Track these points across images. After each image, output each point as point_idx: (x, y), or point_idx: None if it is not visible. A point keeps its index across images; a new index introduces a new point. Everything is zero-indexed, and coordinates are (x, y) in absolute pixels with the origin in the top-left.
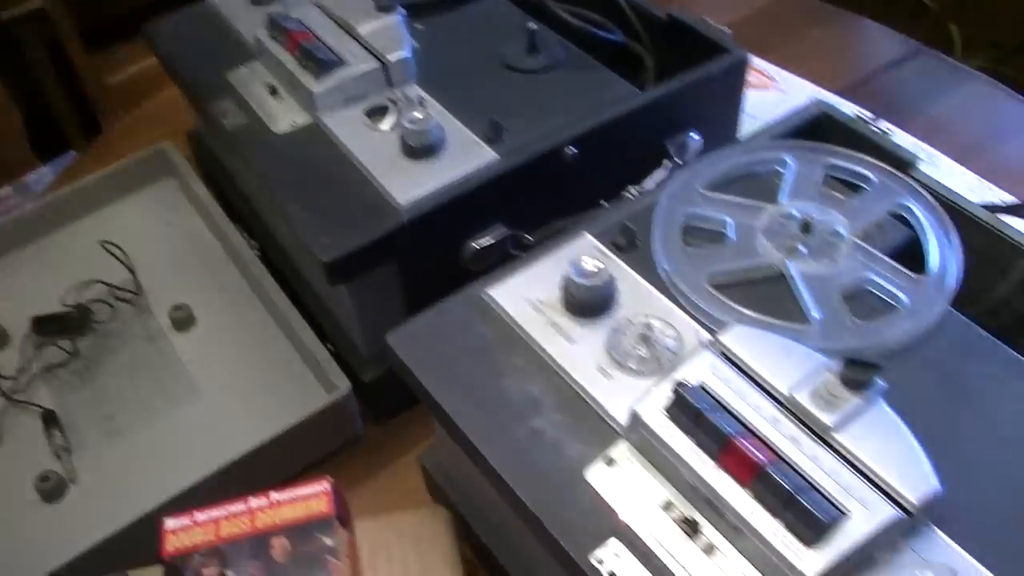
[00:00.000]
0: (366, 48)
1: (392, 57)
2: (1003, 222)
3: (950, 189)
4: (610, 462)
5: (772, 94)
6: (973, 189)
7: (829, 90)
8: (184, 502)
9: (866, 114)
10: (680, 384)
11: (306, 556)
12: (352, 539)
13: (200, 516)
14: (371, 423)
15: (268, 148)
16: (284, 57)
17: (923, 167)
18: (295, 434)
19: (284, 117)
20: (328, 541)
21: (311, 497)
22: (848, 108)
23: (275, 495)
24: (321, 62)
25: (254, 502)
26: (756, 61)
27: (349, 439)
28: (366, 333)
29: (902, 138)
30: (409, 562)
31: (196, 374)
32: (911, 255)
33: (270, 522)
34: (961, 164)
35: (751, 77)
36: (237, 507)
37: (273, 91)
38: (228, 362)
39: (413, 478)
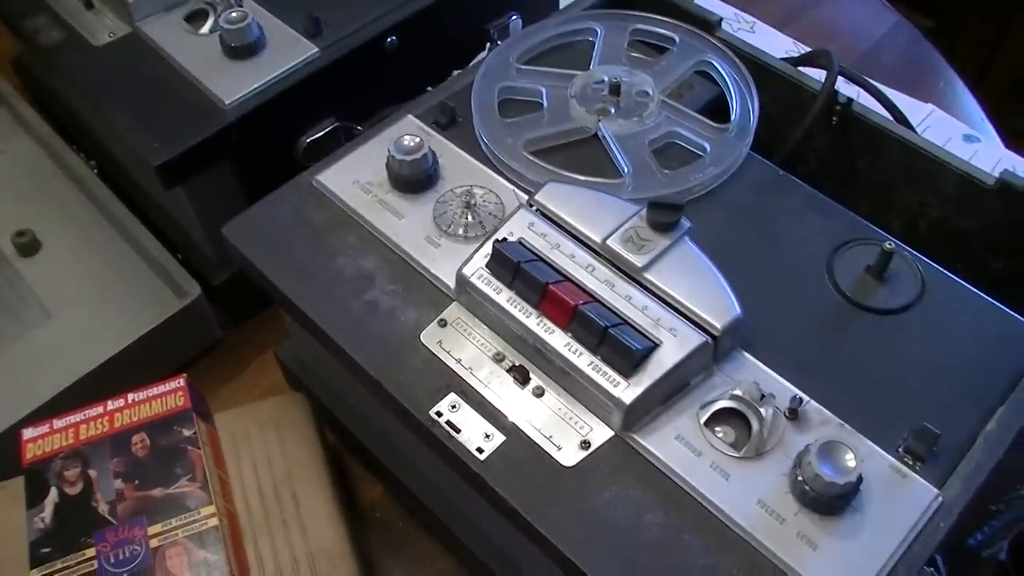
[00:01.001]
0: None
1: None
2: (801, 72)
3: (751, 45)
4: (443, 324)
5: None
6: (788, 51)
7: None
8: (46, 416)
9: None
10: (498, 241)
11: (166, 449)
12: (212, 429)
13: (58, 423)
14: (230, 327)
15: (88, 62)
16: None
17: (742, 32)
18: (149, 341)
19: (102, 29)
20: (187, 432)
21: (167, 394)
22: None
23: (132, 396)
24: None
25: (112, 404)
26: None
27: (207, 344)
28: (210, 236)
29: (721, 8)
30: (270, 446)
31: (46, 297)
32: (719, 110)
33: (129, 421)
34: (778, 29)
35: None
36: (95, 410)
37: (88, 4)
38: (78, 281)
39: (273, 374)
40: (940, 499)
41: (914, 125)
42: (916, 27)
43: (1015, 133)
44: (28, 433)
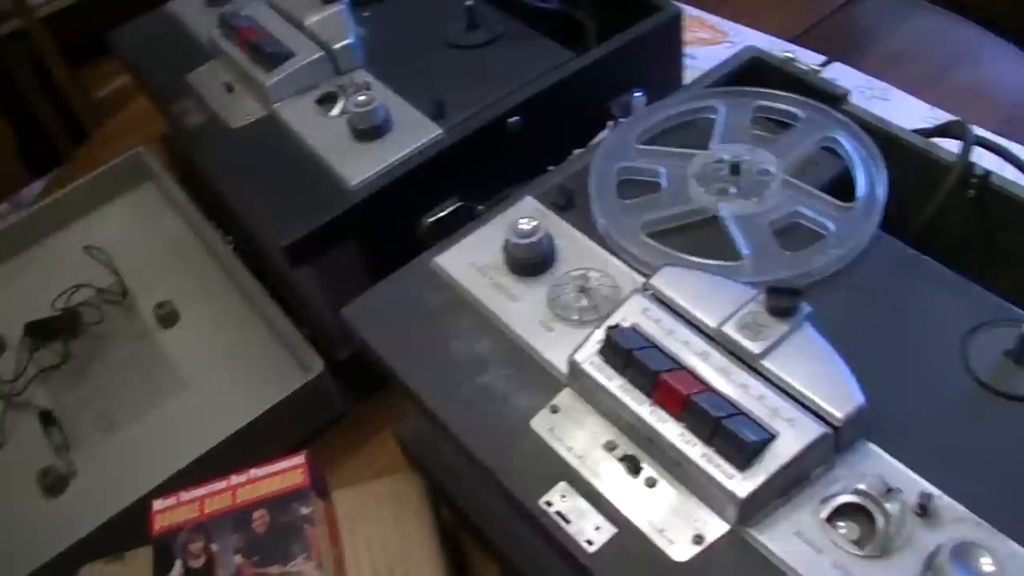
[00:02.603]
0: (312, 39)
1: (337, 45)
2: (932, 143)
3: (879, 117)
4: (554, 410)
5: (724, 48)
6: (925, 119)
7: (782, 39)
8: (175, 486)
9: (819, 57)
10: (611, 327)
11: (284, 526)
12: (330, 507)
13: (185, 496)
14: (353, 401)
15: (226, 143)
16: (236, 54)
17: (875, 101)
18: (274, 415)
19: (240, 112)
20: (304, 510)
21: (288, 470)
22: (804, 56)
23: (254, 471)
24: (270, 55)
25: (235, 479)
26: (708, 17)
27: (332, 417)
28: (335, 313)
29: (853, 76)
30: (386, 526)
31: (182, 366)
32: (845, 186)
33: (250, 497)
34: (914, 95)
35: (704, 33)
36: (219, 485)
37: (229, 88)
38: (211, 353)
39: (395, 450)
40: None
41: None
42: None
43: None
44: (158, 504)
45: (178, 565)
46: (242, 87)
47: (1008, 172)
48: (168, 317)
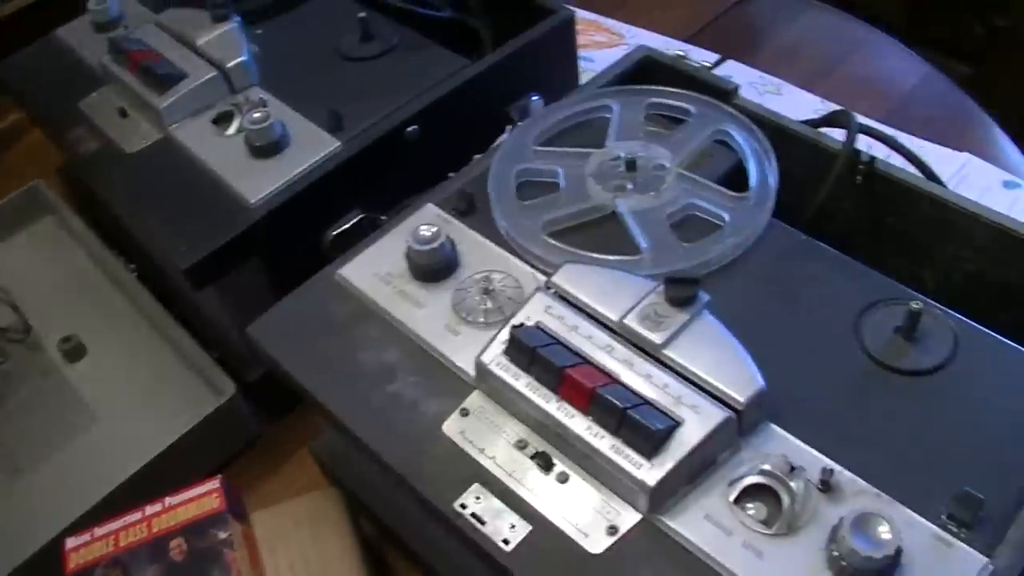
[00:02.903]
0: (205, 58)
1: (230, 64)
2: (820, 133)
3: (768, 110)
4: (464, 412)
5: (621, 50)
6: (816, 111)
7: (677, 39)
8: (89, 522)
9: (714, 56)
10: (515, 327)
11: (203, 552)
12: (248, 530)
13: (99, 531)
14: (268, 422)
15: (122, 168)
16: (128, 78)
17: (768, 95)
18: (188, 441)
19: (136, 136)
20: (222, 535)
21: (203, 496)
22: (698, 55)
23: (169, 499)
24: (162, 78)
25: (149, 509)
26: (604, 20)
27: (247, 440)
28: (243, 334)
29: (747, 73)
30: (305, 544)
31: (91, 400)
32: (739, 178)
33: (167, 526)
34: (806, 89)
35: (600, 36)
36: (134, 516)
37: (123, 113)
38: (120, 384)
39: (313, 467)
40: (991, 568)
41: (950, 175)
42: (950, 76)
43: None
44: (71, 543)
45: None
46: (136, 111)
47: (897, 160)
48: (74, 351)
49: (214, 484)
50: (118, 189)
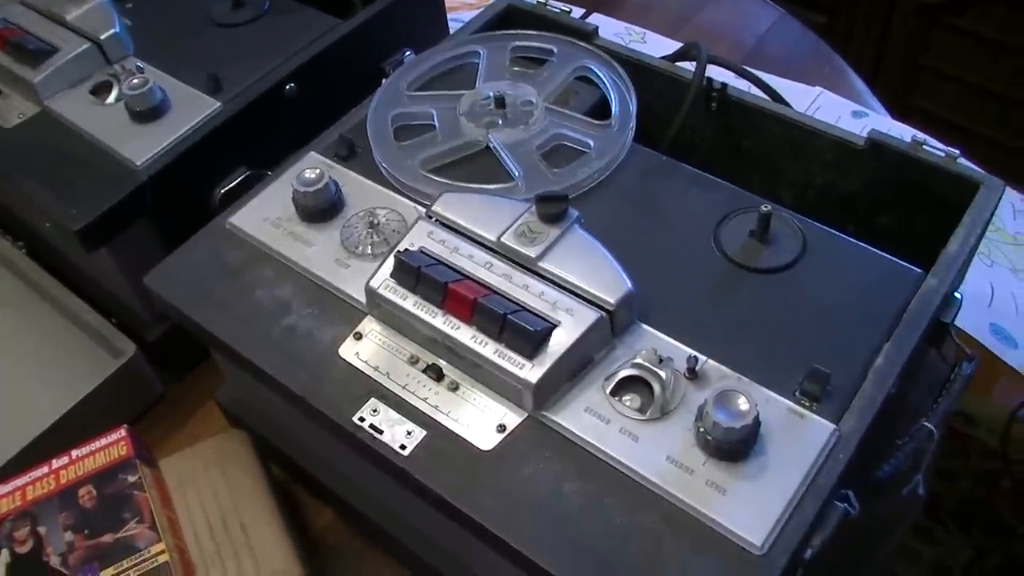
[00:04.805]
0: (76, 32)
1: (103, 36)
2: (675, 66)
3: (626, 47)
4: (358, 336)
5: None
6: None
7: None
8: None
9: (578, 10)
10: (400, 252)
11: (112, 497)
12: (157, 473)
13: (4, 488)
14: (171, 382)
15: (1, 143)
16: None
17: (634, 44)
18: (91, 402)
19: (12, 112)
20: (131, 478)
21: (110, 445)
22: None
23: (75, 452)
24: (33, 53)
25: (56, 462)
26: None
27: (150, 400)
28: (140, 294)
29: (613, 25)
30: (216, 482)
31: None
32: (604, 111)
33: (75, 476)
34: (668, 36)
35: None
36: (41, 471)
37: None
38: (17, 358)
39: (218, 422)
40: (838, 433)
41: (803, 108)
42: (804, 22)
43: (911, 111)
44: None
45: (4, 554)
46: (10, 88)
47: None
48: None
49: (120, 433)
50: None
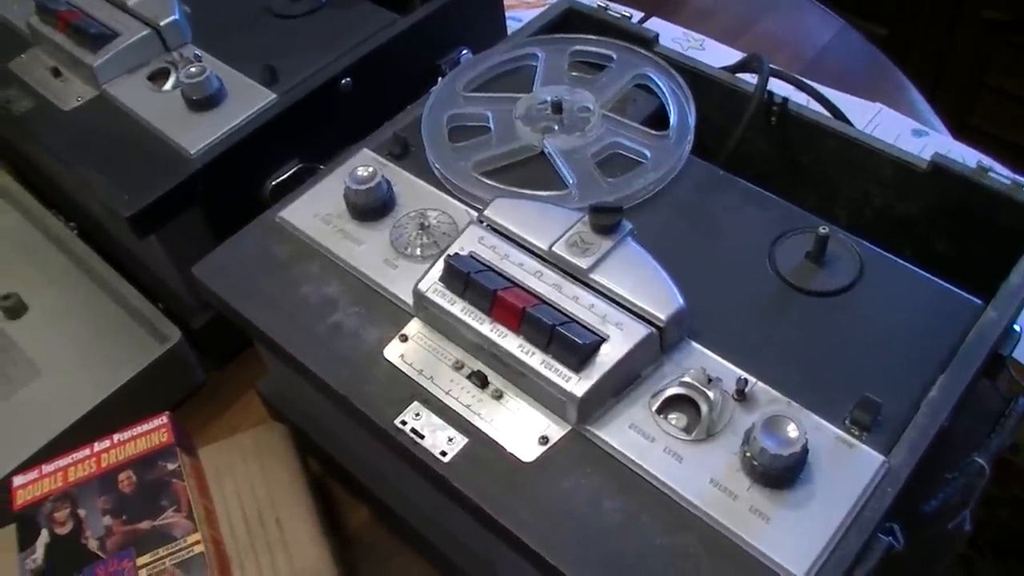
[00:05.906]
0: (137, 17)
1: (163, 22)
2: (736, 77)
3: (687, 56)
4: (404, 338)
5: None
6: None
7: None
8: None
9: (639, 14)
10: (450, 256)
11: (151, 483)
12: (196, 462)
13: (47, 468)
14: (213, 370)
15: (58, 126)
16: (58, 38)
17: (692, 51)
18: (134, 387)
19: (70, 95)
20: (171, 466)
21: (151, 432)
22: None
23: (117, 436)
24: (94, 37)
25: (98, 445)
26: None
27: (192, 386)
28: (187, 282)
29: (672, 30)
30: (253, 474)
31: (34, 355)
32: (661, 120)
33: (115, 461)
34: (726, 44)
35: None
36: (83, 453)
37: (56, 73)
38: (65, 338)
39: (257, 411)
40: (887, 465)
41: (863, 124)
42: (865, 34)
43: (970, 130)
44: (18, 480)
45: (44, 535)
46: (69, 71)
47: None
48: (14, 309)
49: (162, 420)
50: (54, 147)
